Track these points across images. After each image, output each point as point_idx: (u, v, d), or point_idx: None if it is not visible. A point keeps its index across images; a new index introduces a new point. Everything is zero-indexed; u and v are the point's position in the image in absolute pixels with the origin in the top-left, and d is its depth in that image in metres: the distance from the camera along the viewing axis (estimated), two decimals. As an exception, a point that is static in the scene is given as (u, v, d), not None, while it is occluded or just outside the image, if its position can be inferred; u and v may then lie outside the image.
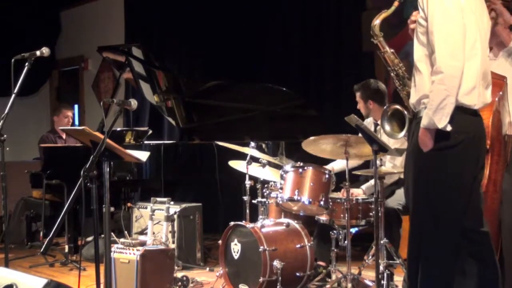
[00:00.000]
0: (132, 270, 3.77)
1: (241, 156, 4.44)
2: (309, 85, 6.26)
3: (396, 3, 2.96)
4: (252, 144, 4.31)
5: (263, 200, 4.34)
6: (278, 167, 4.51)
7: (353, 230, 3.94)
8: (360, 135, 3.78)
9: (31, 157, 7.38)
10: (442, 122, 2.55)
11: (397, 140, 3.97)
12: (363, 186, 4.30)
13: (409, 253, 2.81)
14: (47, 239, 3.01)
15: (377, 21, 3.06)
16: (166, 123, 7.14)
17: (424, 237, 2.72)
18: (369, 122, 4.53)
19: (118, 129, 5.92)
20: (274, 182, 4.39)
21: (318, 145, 3.94)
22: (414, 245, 2.78)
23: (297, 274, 3.87)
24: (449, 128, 2.57)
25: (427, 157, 2.64)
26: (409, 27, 2.87)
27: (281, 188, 4.09)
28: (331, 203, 3.94)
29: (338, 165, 4.49)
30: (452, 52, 2.54)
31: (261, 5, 6.57)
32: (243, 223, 3.97)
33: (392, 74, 3.08)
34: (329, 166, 4.42)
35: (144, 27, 7.79)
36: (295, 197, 3.92)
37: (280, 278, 3.73)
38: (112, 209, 4.50)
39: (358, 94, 4.51)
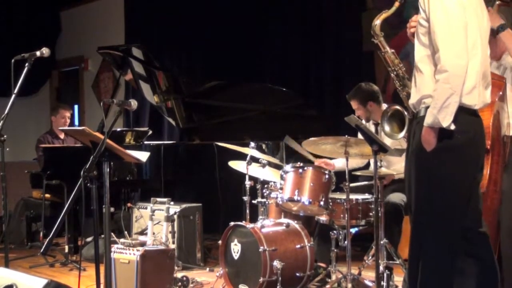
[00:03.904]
0: (132, 270, 3.77)
1: (241, 156, 4.44)
2: (309, 85, 6.26)
3: (397, 4, 2.96)
4: (252, 144, 4.31)
5: (263, 200, 4.34)
6: (278, 167, 4.51)
7: (353, 230, 3.94)
8: (359, 136, 3.78)
9: (31, 157, 7.37)
10: (447, 120, 2.54)
11: (395, 141, 3.97)
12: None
13: (410, 253, 2.81)
14: (47, 239, 3.01)
15: (377, 21, 3.06)
16: (166, 123, 7.14)
17: (425, 237, 2.72)
18: (369, 124, 4.53)
19: (118, 129, 5.93)
20: (274, 182, 4.39)
21: (318, 145, 3.94)
22: (416, 244, 2.78)
23: (297, 274, 3.87)
24: (453, 127, 2.56)
25: (429, 157, 2.64)
26: (408, 31, 2.87)
27: (281, 189, 4.09)
28: (331, 203, 3.94)
29: (339, 162, 4.50)
30: (456, 51, 2.53)
31: (261, 5, 6.57)
32: (243, 223, 3.97)
33: (392, 74, 3.08)
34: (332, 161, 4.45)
35: (144, 27, 7.78)
36: (295, 198, 3.92)
37: (280, 278, 3.73)
38: (112, 209, 4.50)
39: (355, 101, 4.49)
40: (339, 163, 4.50)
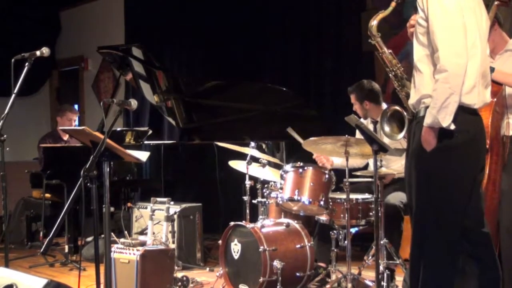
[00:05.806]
0: (132, 270, 3.77)
1: (241, 156, 4.44)
2: (309, 85, 6.26)
3: (393, 4, 2.96)
4: (252, 144, 4.31)
5: (263, 200, 4.34)
6: (278, 167, 4.51)
7: (353, 230, 3.94)
8: (357, 135, 3.78)
9: (31, 157, 7.38)
10: (446, 120, 2.54)
11: (394, 140, 3.96)
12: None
13: (412, 253, 2.81)
14: (47, 239, 3.01)
15: (374, 22, 3.05)
16: (166, 123, 7.14)
17: (426, 237, 2.72)
18: (367, 122, 4.54)
19: (118, 129, 5.93)
20: (274, 182, 4.40)
21: (318, 145, 3.94)
22: (416, 245, 2.78)
23: (297, 274, 3.87)
24: (452, 126, 2.56)
25: (429, 157, 2.64)
26: (408, 31, 2.87)
27: (281, 188, 4.09)
28: (331, 203, 3.94)
29: (338, 159, 4.49)
30: (455, 50, 2.54)
31: (261, 5, 6.57)
32: (243, 223, 3.97)
33: (390, 75, 3.07)
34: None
35: (144, 27, 7.79)
36: (295, 197, 3.92)
37: (280, 278, 3.73)
38: (112, 209, 4.52)
39: (353, 96, 4.53)
40: (338, 160, 4.50)
